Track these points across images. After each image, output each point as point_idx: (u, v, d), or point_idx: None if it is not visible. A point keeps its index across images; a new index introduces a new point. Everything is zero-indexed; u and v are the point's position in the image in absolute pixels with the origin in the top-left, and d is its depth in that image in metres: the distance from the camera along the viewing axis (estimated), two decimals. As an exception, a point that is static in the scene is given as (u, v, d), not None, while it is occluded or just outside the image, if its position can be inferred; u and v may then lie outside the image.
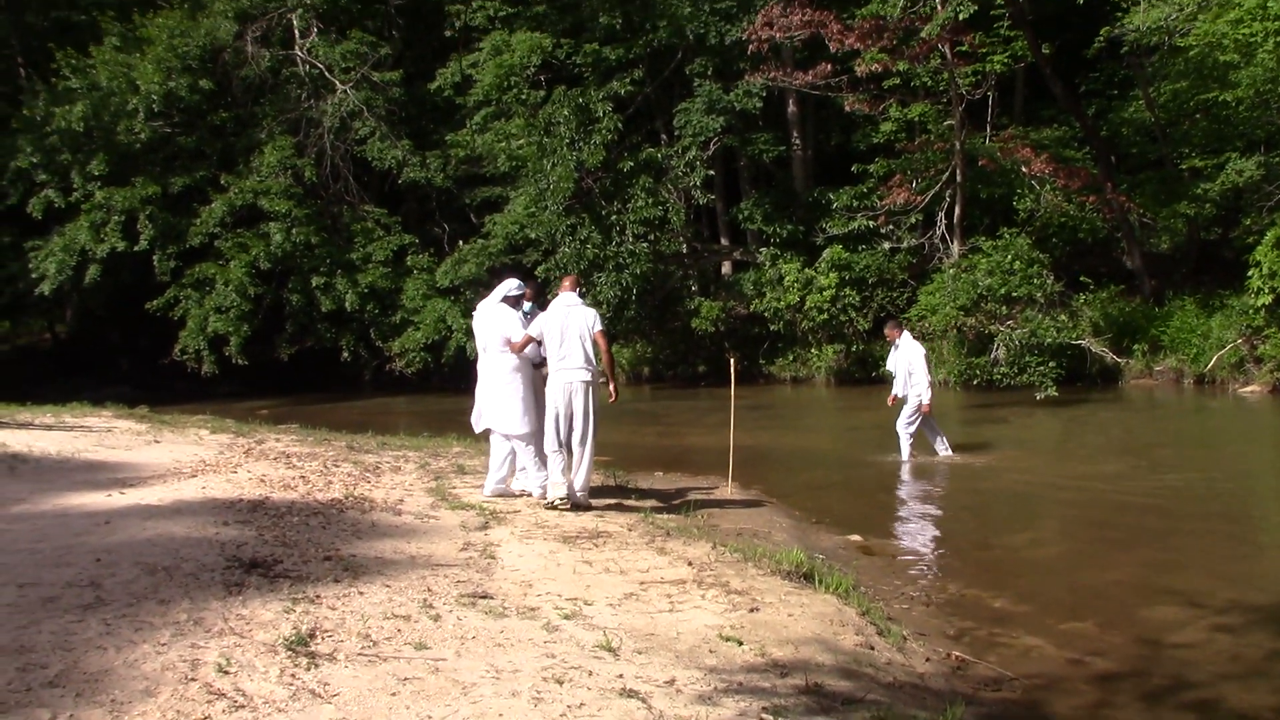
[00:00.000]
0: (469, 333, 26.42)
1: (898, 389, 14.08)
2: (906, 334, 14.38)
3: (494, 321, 9.86)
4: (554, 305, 9.79)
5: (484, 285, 27.52)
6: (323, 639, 5.39)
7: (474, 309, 10.47)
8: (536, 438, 9.68)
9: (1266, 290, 19.45)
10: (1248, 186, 22.00)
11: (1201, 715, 5.78)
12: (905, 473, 13.25)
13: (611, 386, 9.73)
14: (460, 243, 29.01)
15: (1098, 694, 6.07)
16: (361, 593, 6.27)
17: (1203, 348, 21.37)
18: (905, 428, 13.85)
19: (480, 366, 10.02)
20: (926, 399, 13.67)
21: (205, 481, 9.97)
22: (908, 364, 13.92)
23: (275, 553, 7.10)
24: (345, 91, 28.33)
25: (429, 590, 6.42)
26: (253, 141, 28.71)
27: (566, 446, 9.54)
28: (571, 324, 9.55)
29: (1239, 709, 5.83)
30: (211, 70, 28.56)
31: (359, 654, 5.22)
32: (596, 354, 9.61)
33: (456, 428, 16.37)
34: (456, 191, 29.81)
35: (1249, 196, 21.76)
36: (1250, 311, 20.17)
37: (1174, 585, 8.10)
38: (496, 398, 9.80)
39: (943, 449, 13.93)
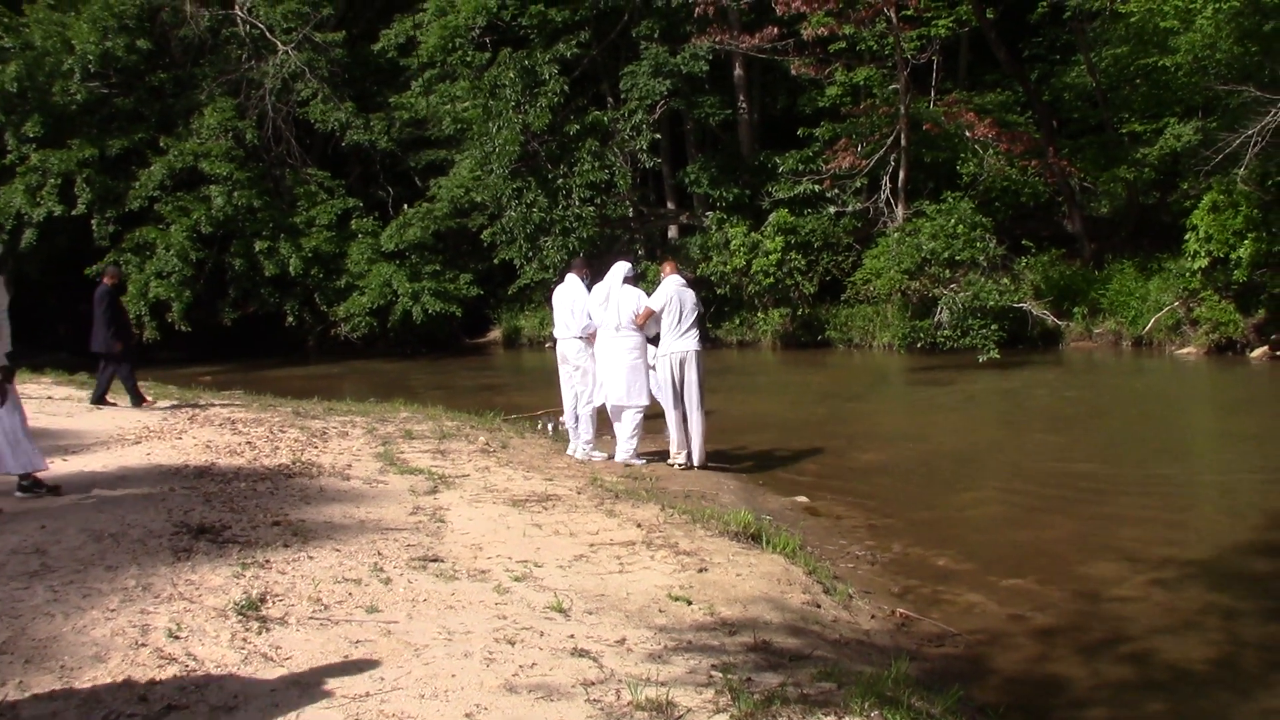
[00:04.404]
0: (414, 296, 26.41)
1: None
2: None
3: (623, 302, 10.79)
4: (666, 284, 10.80)
5: (427, 249, 27.50)
6: (273, 603, 5.40)
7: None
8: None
9: (1202, 254, 19.78)
10: (1185, 151, 22.28)
11: (1137, 667, 5.95)
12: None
13: None
14: (405, 206, 28.79)
15: (1038, 648, 6.23)
16: (311, 557, 6.28)
17: (1141, 310, 21.72)
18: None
19: (600, 343, 10.94)
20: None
21: (150, 448, 9.89)
22: None
23: (223, 518, 7.08)
24: (287, 52, 27.92)
25: (379, 554, 6.43)
26: (192, 103, 28.23)
27: (682, 411, 10.65)
28: (687, 301, 10.68)
29: (1172, 661, 6.01)
30: (149, 30, 27.99)
31: (310, 617, 5.23)
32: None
33: (403, 392, 16.35)
34: (401, 154, 29.56)
35: (1186, 161, 22.04)
36: (1187, 275, 20.51)
37: (1111, 543, 8.28)
38: (620, 372, 10.74)
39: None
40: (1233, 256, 19.31)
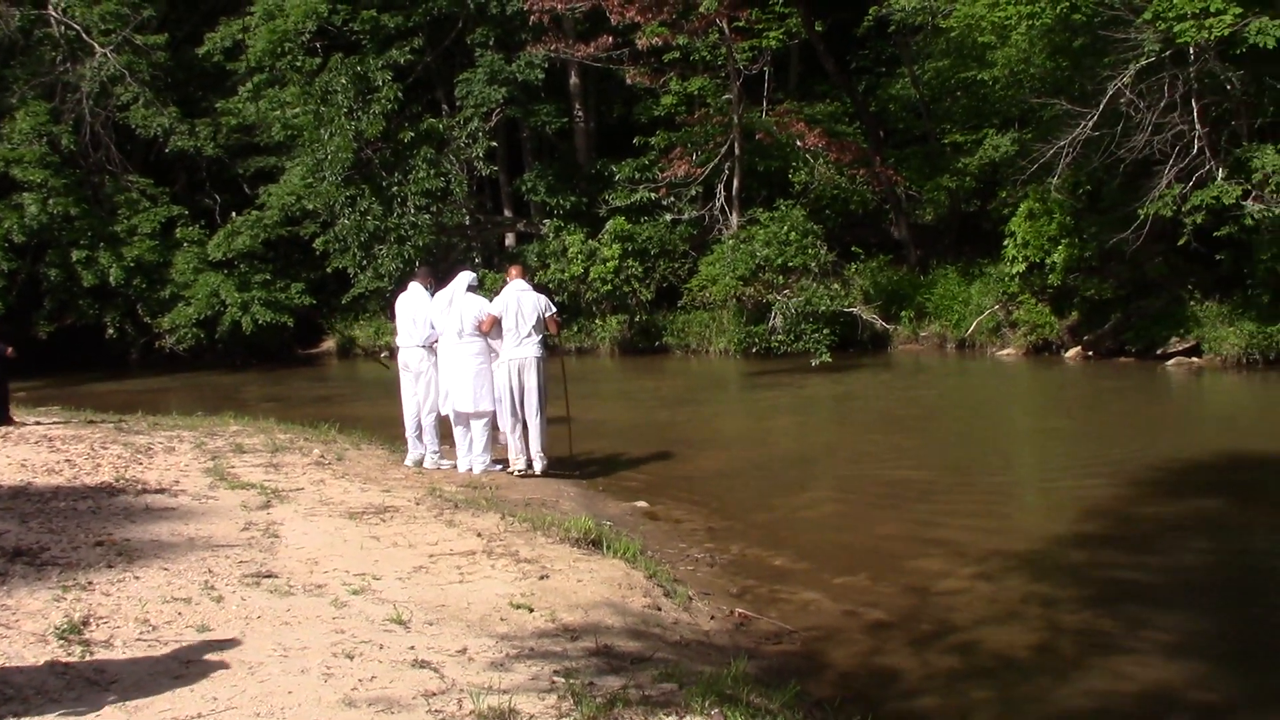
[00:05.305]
0: (244, 306, 25.66)
1: None
2: None
3: (466, 309, 10.62)
4: (507, 289, 10.74)
5: (257, 257, 26.85)
6: (97, 626, 5.20)
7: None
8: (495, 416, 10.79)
9: (1020, 259, 20.66)
10: (1003, 161, 23.20)
11: (964, 656, 6.18)
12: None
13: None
14: (233, 214, 27.98)
15: (871, 642, 6.42)
16: (138, 577, 6.05)
17: (964, 314, 22.54)
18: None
19: (443, 350, 10.75)
20: None
21: (-41, 468, 9.38)
22: None
23: (41, 540, 6.77)
24: (105, 55, 26.80)
25: (210, 572, 6.24)
26: (3, 106, 26.86)
27: (520, 419, 10.62)
28: (526, 305, 10.57)
29: (997, 649, 6.27)
30: (-48, 29, 26.60)
31: (137, 639, 5.06)
32: (546, 334, 10.87)
33: (233, 405, 15.89)
34: (228, 161, 28.70)
35: (1004, 170, 22.95)
36: (1006, 279, 21.38)
37: (939, 538, 8.59)
38: (466, 379, 10.55)
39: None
40: (1048, 262, 20.21)
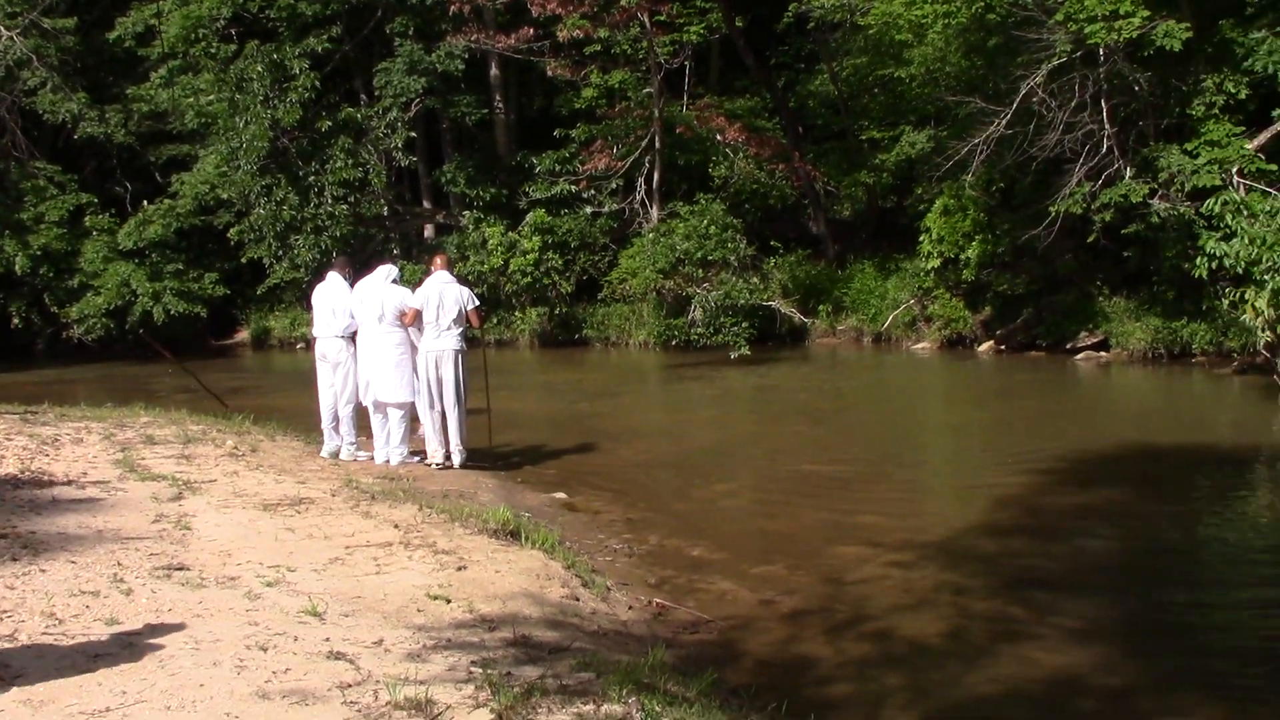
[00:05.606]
0: (155, 296, 25.15)
1: None
2: None
3: (387, 298, 10.58)
4: (430, 281, 10.65)
5: (169, 247, 26.38)
6: (2, 620, 5.07)
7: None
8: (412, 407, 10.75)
9: (935, 254, 20.98)
10: (919, 158, 23.52)
11: (878, 644, 6.28)
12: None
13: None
14: (145, 203, 27.44)
15: (787, 630, 6.49)
16: (44, 570, 5.92)
17: (880, 308, 22.84)
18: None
19: (363, 339, 10.71)
20: None
21: None
22: None
23: (-58, 533, 6.59)
24: (11, 38, 26.09)
25: (119, 564, 6.12)
26: (-98, 90, 26.14)
27: (440, 410, 10.53)
28: (448, 298, 10.46)
29: (909, 636, 6.38)
30: None
31: (43, 633, 4.94)
32: (468, 327, 10.80)
33: (144, 397, 15.56)
34: (140, 149, 28.15)
35: (920, 167, 23.26)
36: (921, 274, 21.72)
37: (854, 528, 8.71)
38: (387, 369, 10.55)
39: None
40: (962, 257, 20.55)
